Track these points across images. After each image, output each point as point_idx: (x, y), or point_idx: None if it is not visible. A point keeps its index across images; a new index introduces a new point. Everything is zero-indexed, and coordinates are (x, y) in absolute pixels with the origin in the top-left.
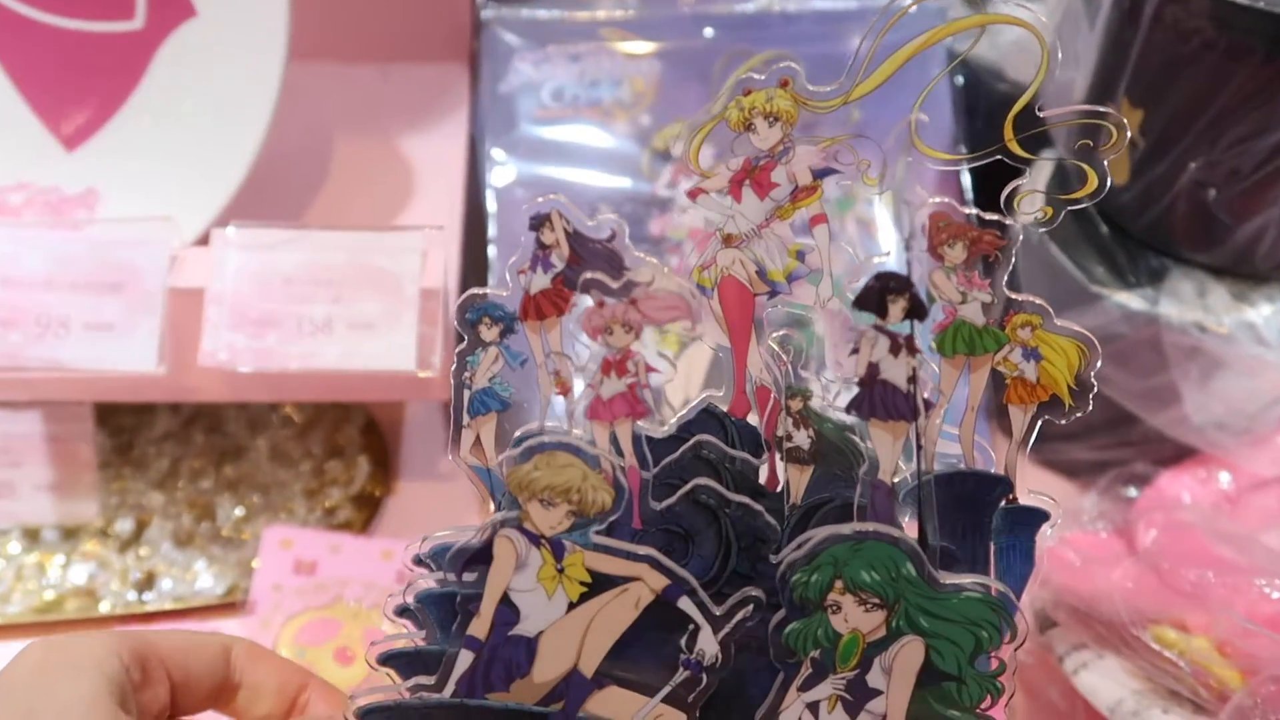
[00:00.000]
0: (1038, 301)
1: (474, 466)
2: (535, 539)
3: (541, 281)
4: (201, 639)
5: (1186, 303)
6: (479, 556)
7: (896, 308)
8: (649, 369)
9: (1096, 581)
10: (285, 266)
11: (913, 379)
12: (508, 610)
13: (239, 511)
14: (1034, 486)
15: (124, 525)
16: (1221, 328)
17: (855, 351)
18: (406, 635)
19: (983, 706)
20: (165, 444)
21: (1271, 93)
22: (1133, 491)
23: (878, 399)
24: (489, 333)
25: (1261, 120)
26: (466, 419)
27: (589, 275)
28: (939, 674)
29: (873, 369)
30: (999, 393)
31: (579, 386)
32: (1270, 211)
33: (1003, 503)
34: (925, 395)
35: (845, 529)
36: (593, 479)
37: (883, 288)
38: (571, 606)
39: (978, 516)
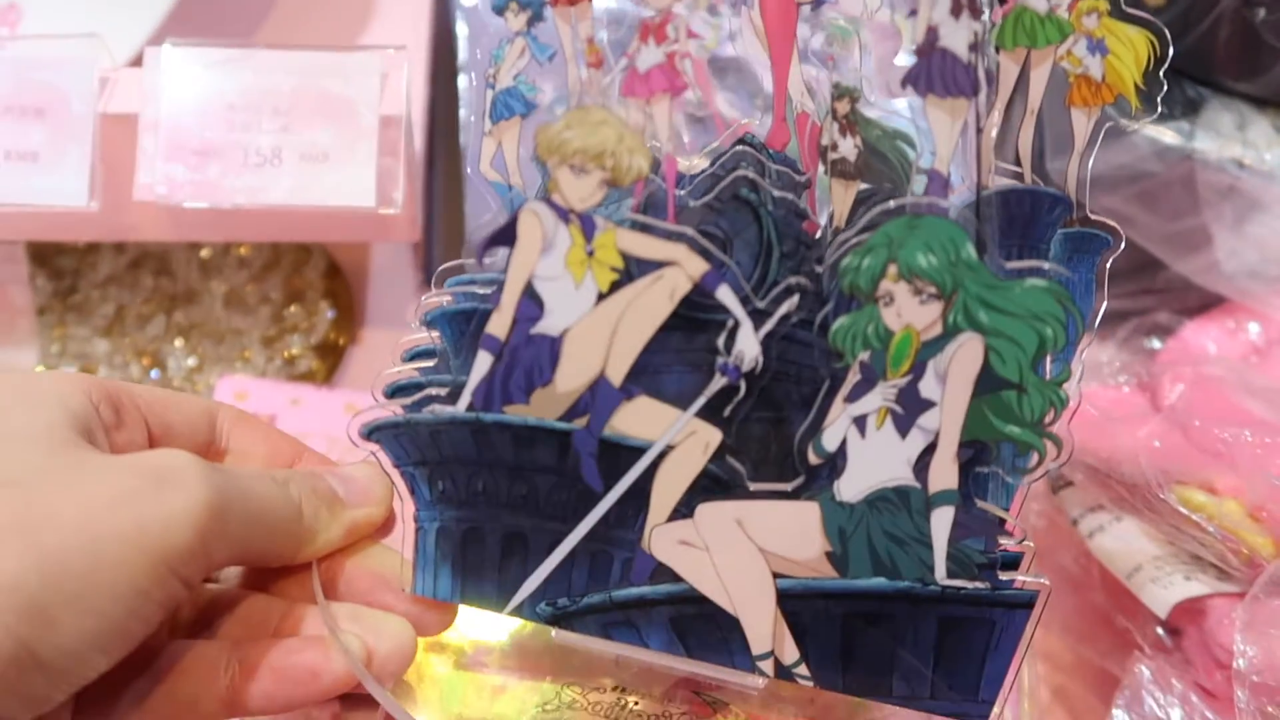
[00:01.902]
0: None
1: (493, 184)
2: (564, 214)
3: None
4: (183, 397)
5: (1225, 136)
6: (501, 237)
7: None
8: (691, 34)
9: (1118, 439)
10: (228, 90)
11: (975, 46)
12: (531, 304)
13: (191, 361)
14: None
15: None
16: (1262, 164)
17: (914, 13)
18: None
19: (1046, 421)
20: (109, 288)
21: None
22: (1155, 343)
23: (935, 71)
24: (516, 20)
25: None
26: (488, 125)
27: None
28: (998, 380)
29: (931, 34)
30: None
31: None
32: None
33: (1062, 226)
34: (987, 66)
35: (904, 200)
36: (629, 140)
37: None
38: (601, 298)
39: (1035, 239)
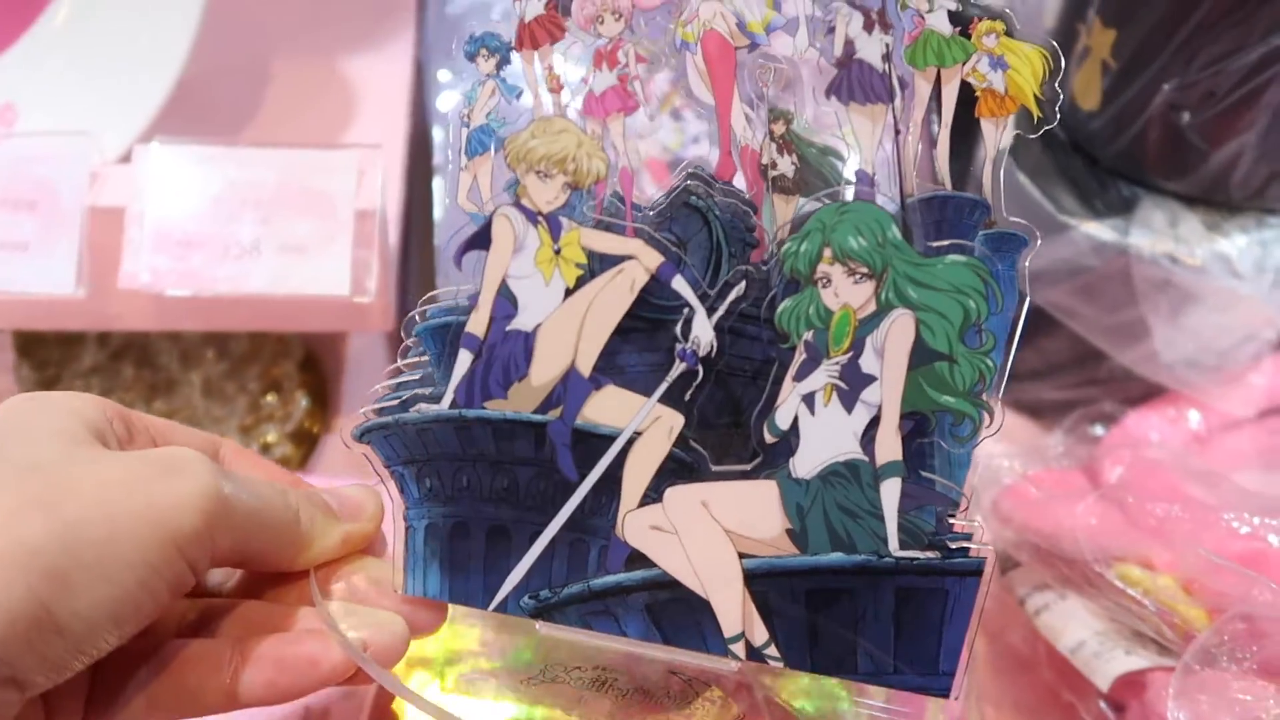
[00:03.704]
0: (998, 8)
1: (471, 214)
2: (533, 216)
3: (535, 8)
4: (189, 429)
5: (1158, 233)
6: (477, 241)
7: None
8: (640, 59)
9: (1059, 519)
10: (212, 185)
11: (887, 56)
12: (506, 303)
13: None
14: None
15: None
16: (1194, 259)
17: (831, 30)
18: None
19: (976, 389)
20: (93, 378)
21: (1247, 9)
22: (1099, 430)
23: (854, 80)
24: (486, 64)
25: (1237, 38)
26: (464, 160)
27: None
28: (931, 353)
29: (849, 47)
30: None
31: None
32: (1245, 136)
33: (982, 228)
34: (899, 74)
35: (827, 194)
36: (587, 145)
37: None
38: (568, 293)
39: (956, 237)
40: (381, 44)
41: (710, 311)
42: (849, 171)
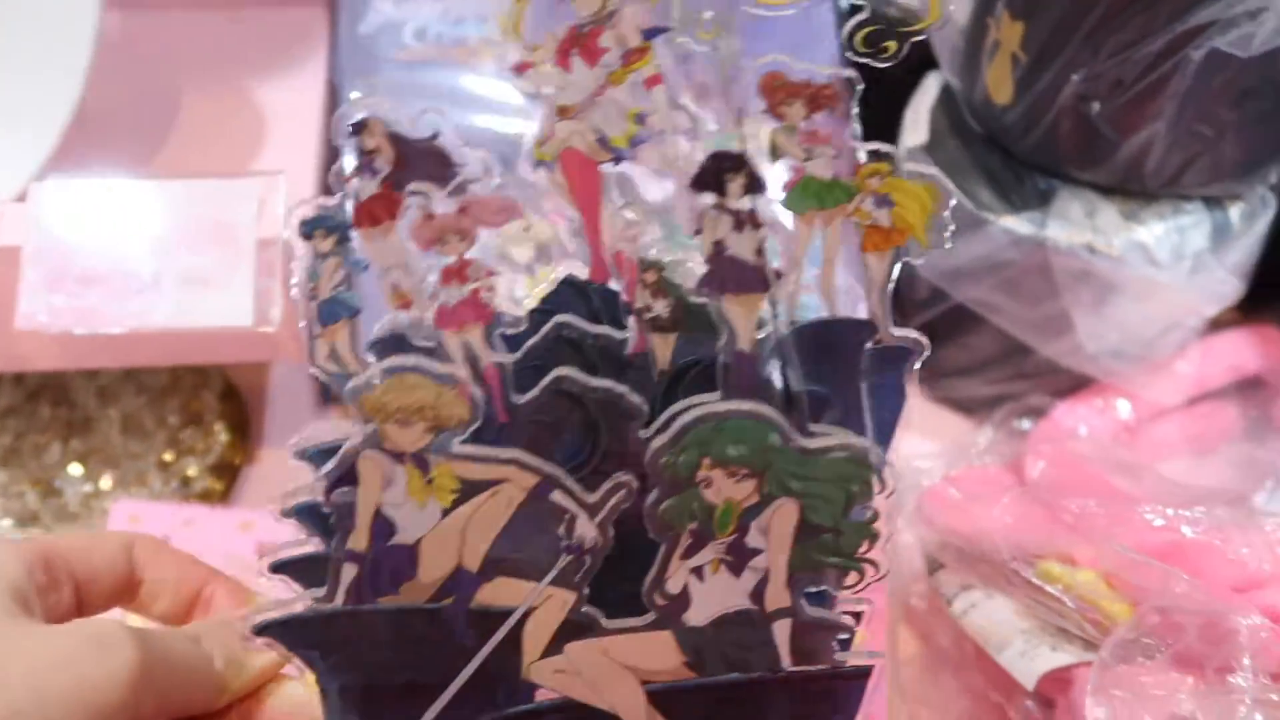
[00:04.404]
0: (886, 149)
1: (335, 374)
2: (398, 456)
3: (370, 188)
4: (102, 537)
5: (1075, 224)
6: (344, 479)
7: (735, 185)
8: (490, 273)
9: (977, 520)
10: (109, 220)
11: (760, 251)
12: (384, 523)
13: (88, 487)
14: (929, 424)
15: None
16: (1111, 249)
17: (699, 233)
18: (298, 543)
19: (861, 551)
20: (7, 419)
21: None
22: (1027, 424)
23: (727, 274)
24: (324, 244)
25: (1142, 26)
26: (318, 329)
27: (415, 186)
28: (816, 528)
29: (719, 246)
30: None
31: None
32: (1155, 124)
33: (872, 343)
34: (775, 266)
35: (707, 408)
36: (446, 395)
37: (718, 167)
38: (446, 512)
39: (846, 360)
40: (292, 67)
41: (593, 514)
42: (727, 354)
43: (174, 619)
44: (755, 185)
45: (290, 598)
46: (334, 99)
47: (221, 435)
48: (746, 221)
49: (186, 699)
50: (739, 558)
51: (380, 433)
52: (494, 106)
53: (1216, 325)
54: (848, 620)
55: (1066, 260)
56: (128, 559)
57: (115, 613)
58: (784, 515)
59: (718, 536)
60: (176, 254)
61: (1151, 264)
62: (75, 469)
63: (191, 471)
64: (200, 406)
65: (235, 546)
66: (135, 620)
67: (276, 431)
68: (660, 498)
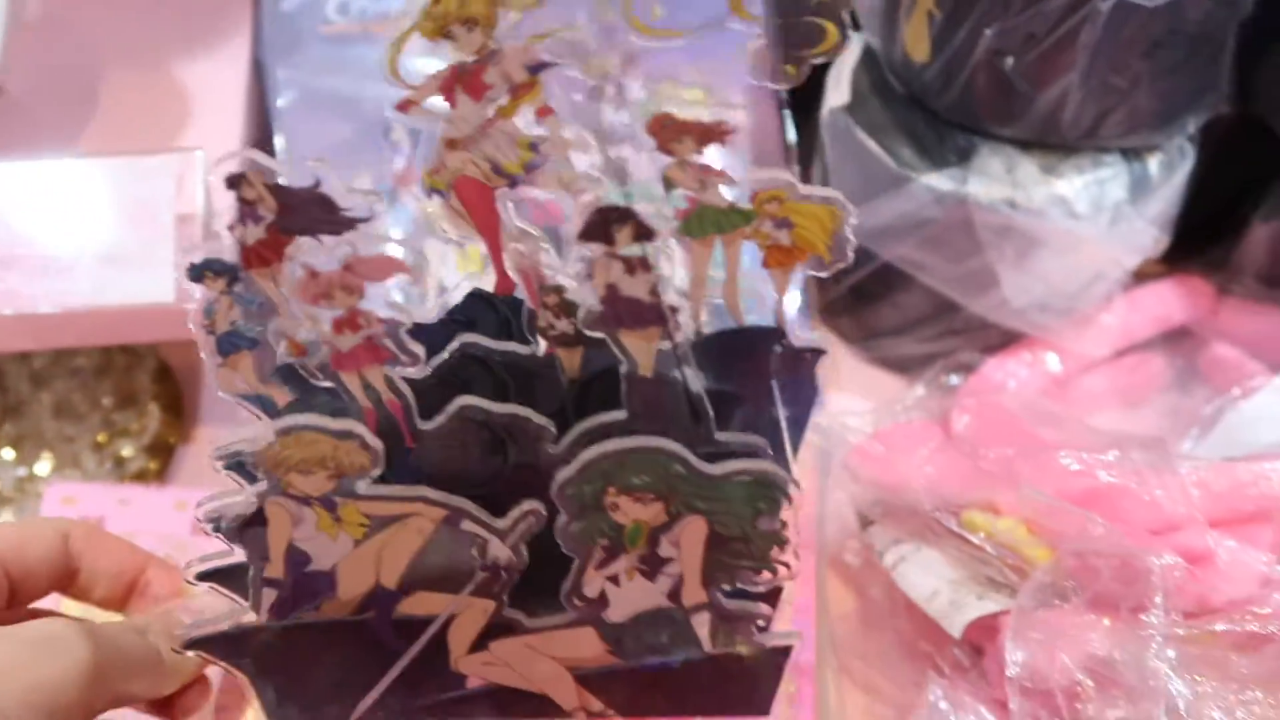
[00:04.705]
0: (782, 177)
1: (245, 395)
2: (304, 500)
3: (256, 233)
4: (37, 526)
5: (995, 179)
6: (253, 521)
7: (623, 234)
8: (381, 320)
9: (902, 472)
10: (24, 201)
11: (654, 291)
12: (298, 554)
13: (21, 471)
14: (864, 384)
15: None
16: (1032, 203)
17: (590, 278)
18: (220, 555)
19: (774, 554)
20: None
21: None
22: (957, 381)
23: (623, 313)
24: (215, 284)
25: None
26: (219, 359)
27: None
28: (725, 539)
29: (612, 289)
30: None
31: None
32: (1068, 76)
33: (778, 347)
34: (671, 303)
35: (610, 446)
36: (344, 447)
37: (604, 219)
38: (358, 543)
39: (755, 363)
40: (216, 44)
41: (504, 538)
42: (629, 380)
43: (112, 604)
44: (645, 233)
45: (218, 612)
46: (259, 75)
47: (155, 415)
48: (638, 266)
49: (135, 691)
50: (652, 566)
51: (284, 481)
52: (419, 80)
53: (1143, 277)
54: (765, 609)
55: (987, 215)
56: (64, 547)
57: (53, 598)
58: (693, 530)
59: (629, 551)
60: (95, 233)
61: (1071, 216)
62: (8, 453)
63: (126, 452)
64: (134, 387)
65: (171, 526)
66: (72, 606)
67: (211, 410)
68: (569, 520)
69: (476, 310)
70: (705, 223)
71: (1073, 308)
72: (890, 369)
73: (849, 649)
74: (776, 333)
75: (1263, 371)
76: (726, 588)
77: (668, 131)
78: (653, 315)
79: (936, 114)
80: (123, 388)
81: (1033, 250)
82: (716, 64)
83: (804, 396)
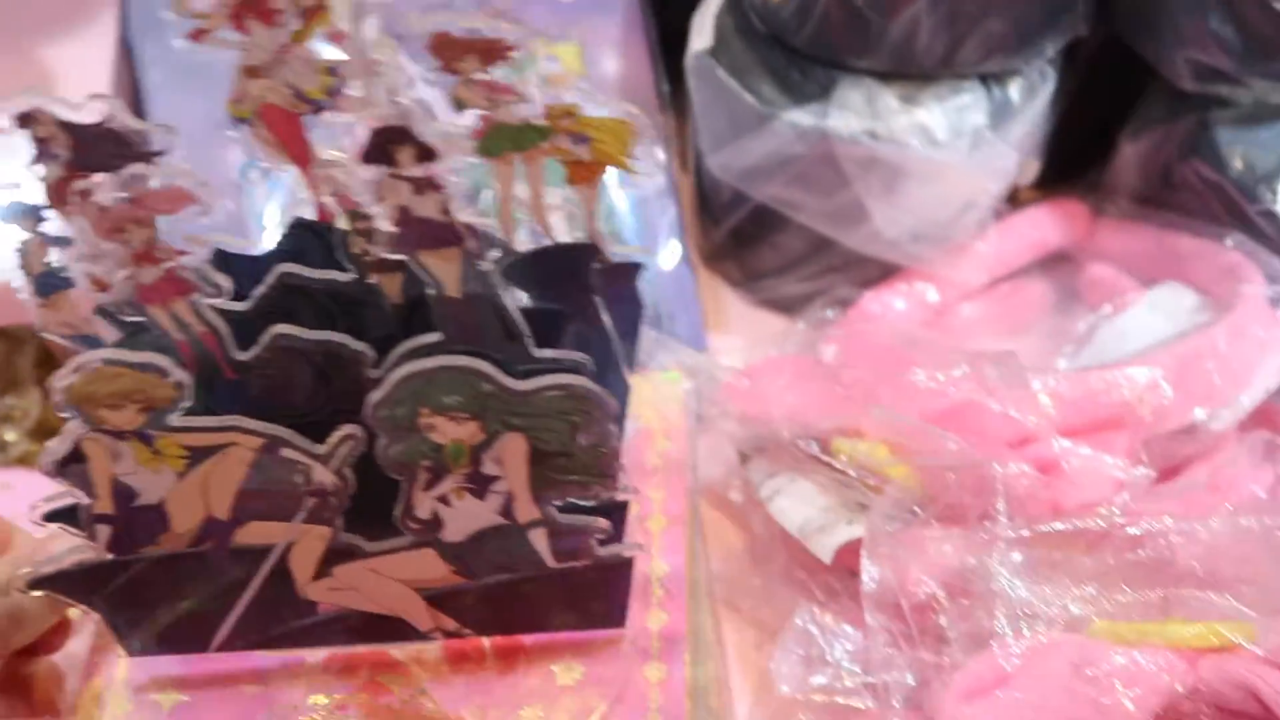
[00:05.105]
0: (572, 92)
1: (69, 337)
2: (118, 434)
3: (55, 172)
4: None
5: (856, 112)
6: (71, 458)
7: (405, 155)
8: (179, 252)
9: (766, 404)
10: None
11: (446, 210)
12: (123, 488)
13: None
14: (751, 326)
15: None
16: (892, 133)
17: (383, 199)
18: (59, 495)
19: (598, 469)
20: None
21: None
22: (834, 315)
23: (418, 234)
24: (25, 225)
25: None
26: (40, 299)
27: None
28: (547, 454)
29: (404, 211)
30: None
31: None
32: (916, 4)
33: (597, 264)
34: (465, 221)
35: (416, 366)
36: (149, 380)
37: (382, 141)
38: (180, 476)
39: (576, 280)
40: (81, 25)
41: (326, 462)
42: (438, 302)
43: None
44: (427, 153)
45: (60, 550)
46: (127, 55)
47: (38, 400)
48: (426, 187)
49: (13, 644)
50: (479, 485)
51: (95, 417)
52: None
53: (1020, 205)
54: (602, 523)
55: (850, 148)
56: None
57: None
58: (513, 447)
59: (453, 470)
60: None
61: (932, 144)
62: None
63: (10, 437)
64: (15, 372)
65: None
66: None
67: None
68: (388, 444)
69: (303, 240)
70: (502, 141)
71: (947, 237)
72: (776, 310)
73: (733, 583)
74: (592, 249)
75: (1136, 288)
76: (559, 503)
77: (450, 51)
78: (448, 234)
79: (797, 51)
80: (4, 373)
81: (898, 181)
82: (586, 16)
83: (629, 311)
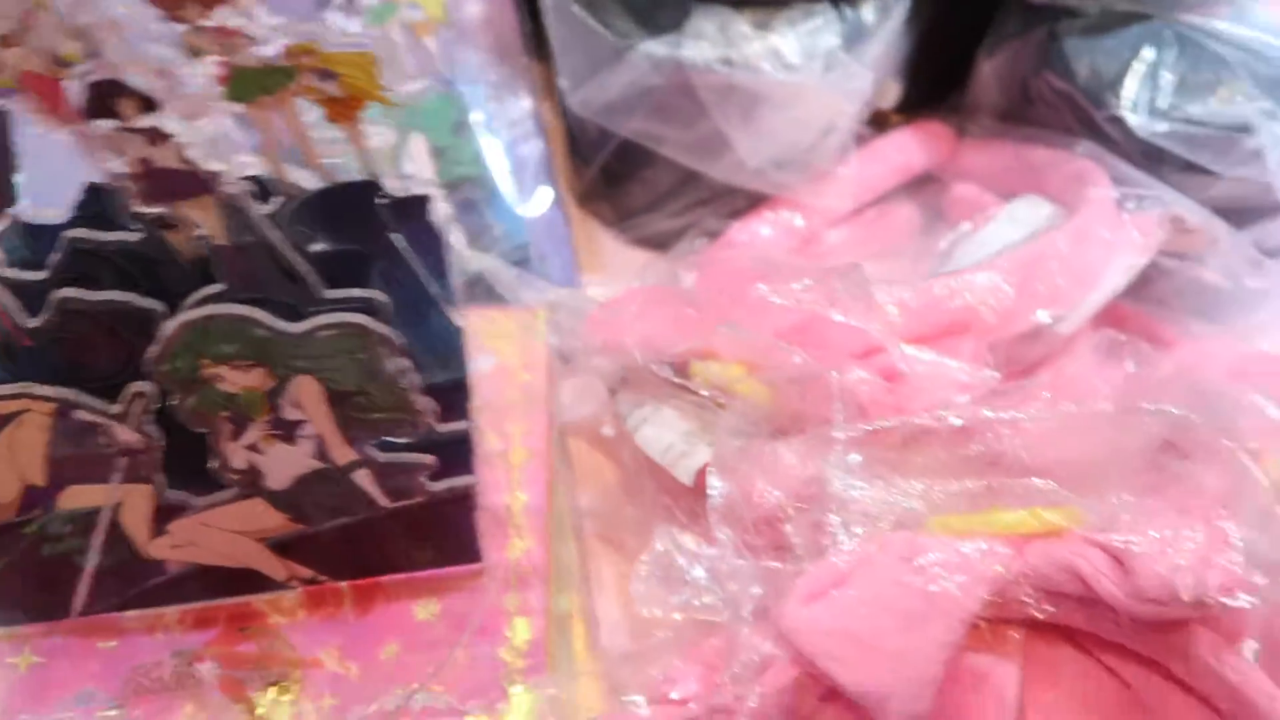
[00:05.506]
0: (308, 28)
1: None
2: None
3: None
4: None
5: (709, 40)
6: None
7: (128, 107)
8: None
9: (623, 332)
10: None
11: (184, 159)
12: None
13: None
14: (626, 264)
15: None
16: (745, 59)
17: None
18: None
19: (401, 402)
20: None
21: None
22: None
23: (165, 185)
24: None
25: None
26: None
27: None
28: (344, 394)
29: (145, 163)
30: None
31: None
32: None
33: (380, 199)
34: (208, 168)
35: (184, 317)
36: None
37: (100, 95)
38: None
39: (367, 218)
40: None
41: (121, 420)
42: (211, 249)
43: None
44: (149, 103)
45: None
46: None
47: None
48: (157, 138)
49: None
50: (285, 430)
51: None
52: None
53: (886, 130)
54: (427, 459)
55: (705, 77)
56: None
57: None
58: (307, 390)
59: (255, 418)
60: None
61: (785, 69)
62: None
63: None
64: None
65: None
66: None
67: None
68: (181, 398)
69: (101, 204)
70: (249, 85)
71: (809, 163)
72: (650, 248)
73: (608, 518)
74: (372, 185)
75: (997, 203)
76: (374, 442)
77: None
78: (195, 182)
79: None
80: None
81: (755, 107)
82: None
83: (430, 242)
